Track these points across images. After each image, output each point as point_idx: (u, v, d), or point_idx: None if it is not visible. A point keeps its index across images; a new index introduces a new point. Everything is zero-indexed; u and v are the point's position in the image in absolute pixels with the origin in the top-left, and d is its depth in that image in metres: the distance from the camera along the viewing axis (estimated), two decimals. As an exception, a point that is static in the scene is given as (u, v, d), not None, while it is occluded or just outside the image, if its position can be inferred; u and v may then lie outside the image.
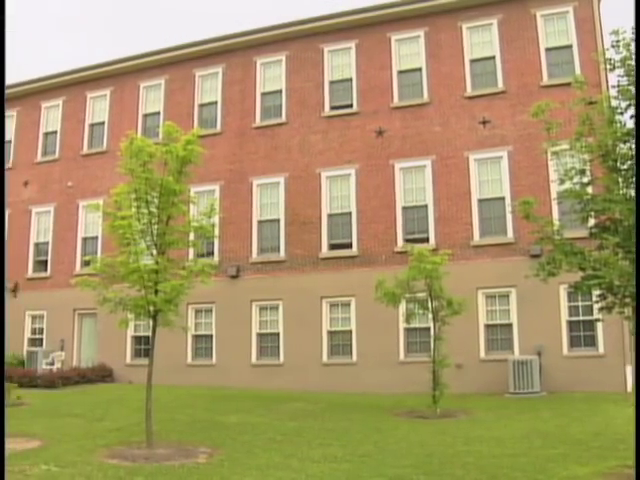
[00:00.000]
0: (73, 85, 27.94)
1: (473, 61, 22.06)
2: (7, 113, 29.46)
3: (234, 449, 12.10)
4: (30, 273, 27.30)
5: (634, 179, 9.45)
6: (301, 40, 24.05)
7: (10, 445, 12.97)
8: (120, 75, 26.98)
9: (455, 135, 21.65)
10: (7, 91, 29.15)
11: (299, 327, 21.97)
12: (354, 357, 21.47)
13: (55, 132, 28.19)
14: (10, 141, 29.20)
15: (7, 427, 14.46)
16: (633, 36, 9.84)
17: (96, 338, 25.28)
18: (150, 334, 13.04)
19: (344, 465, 10.46)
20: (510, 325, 20.18)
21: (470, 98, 21.72)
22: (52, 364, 24.19)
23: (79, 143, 27.33)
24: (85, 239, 26.19)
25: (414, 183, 21.85)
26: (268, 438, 13.15)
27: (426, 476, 9.48)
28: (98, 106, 27.37)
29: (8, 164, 28.95)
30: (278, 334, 22.49)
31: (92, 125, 27.35)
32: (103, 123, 27.06)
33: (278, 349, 22.42)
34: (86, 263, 23.93)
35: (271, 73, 24.53)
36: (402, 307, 18.38)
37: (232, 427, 14.61)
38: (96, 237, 25.56)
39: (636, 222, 8.59)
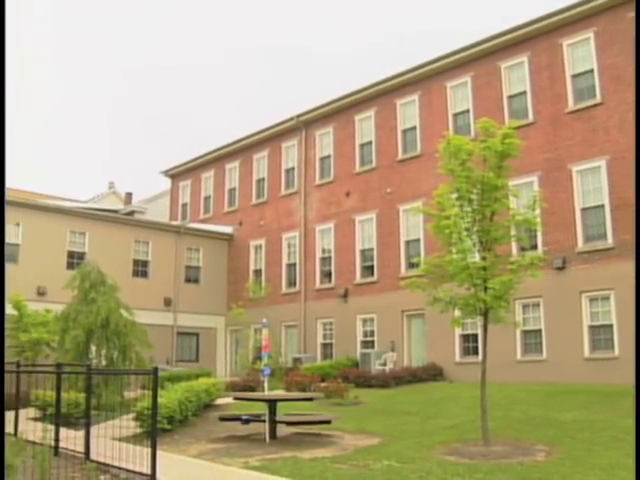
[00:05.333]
0: (382, 95, 28.93)
1: None
2: (324, 130, 31.23)
3: (573, 447, 11.71)
4: (358, 279, 28.57)
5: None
6: (609, 12, 22.50)
7: (353, 442, 13.73)
8: (426, 79, 27.40)
9: None
10: (320, 111, 30.99)
11: (634, 317, 20.61)
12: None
13: (370, 142, 29.32)
14: (329, 156, 30.89)
15: (349, 424, 15.37)
16: None
17: (425, 338, 25.80)
18: (481, 331, 13.03)
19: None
20: None
21: None
22: (384, 364, 25.05)
23: (394, 150, 28.16)
24: (408, 242, 26.85)
25: None
26: (609, 436, 12.59)
27: None
28: (408, 112, 28.01)
29: (329, 178, 30.65)
30: (611, 326, 21.26)
31: (404, 131, 28.05)
32: (414, 128, 27.64)
33: (612, 341, 21.16)
34: (412, 265, 24.62)
35: (579, 53, 23.39)
36: None
37: (568, 424, 14.15)
38: (418, 239, 26.13)
39: (636, 223, 7.20)
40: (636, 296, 8.43)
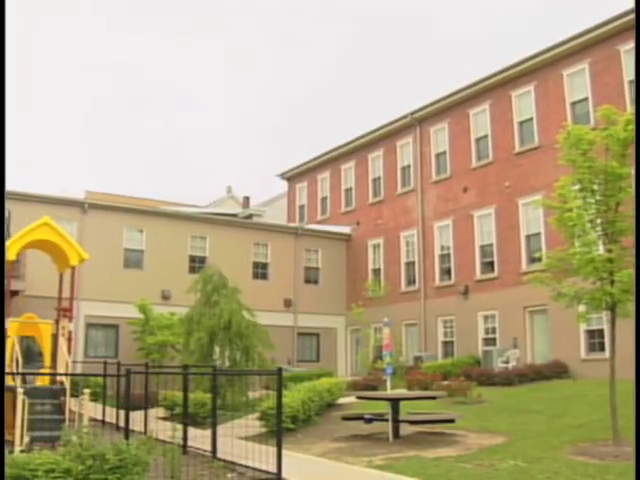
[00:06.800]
0: (496, 88, 28.33)
1: None
2: (438, 126, 30.94)
3: None
4: (478, 275, 28.15)
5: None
6: None
7: (477, 441, 13.55)
8: (541, 68, 26.66)
9: None
10: (434, 107, 30.73)
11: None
12: None
13: (486, 136, 28.81)
14: (445, 152, 30.57)
15: (473, 423, 15.15)
16: None
17: (548, 334, 25.13)
18: (608, 327, 12.64)
19: None
20: None
21: None
22: (507, 362, 24.59)
23: (510, 143, 27.55)
24: (528, 236, 26.18)
25: None
26: None
27: None
28: (524, 103, 27.33)
29: (446, 174, 30.31)
30: None
31: (521, 123, 27.39)
32: (531, 119, 26.93)
33: None
34: (533, 260, 24.08)
35: None
36: None
37: None
38: (539, 233, 25.40)
39: (636, 222, 6.48)
40: (636, 296, 8.16)
